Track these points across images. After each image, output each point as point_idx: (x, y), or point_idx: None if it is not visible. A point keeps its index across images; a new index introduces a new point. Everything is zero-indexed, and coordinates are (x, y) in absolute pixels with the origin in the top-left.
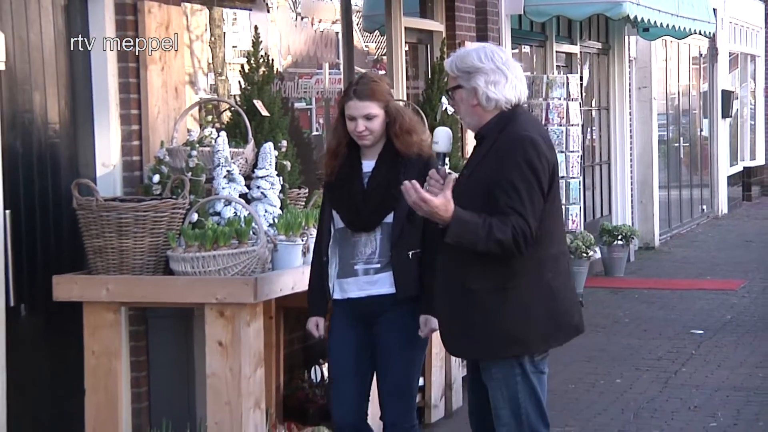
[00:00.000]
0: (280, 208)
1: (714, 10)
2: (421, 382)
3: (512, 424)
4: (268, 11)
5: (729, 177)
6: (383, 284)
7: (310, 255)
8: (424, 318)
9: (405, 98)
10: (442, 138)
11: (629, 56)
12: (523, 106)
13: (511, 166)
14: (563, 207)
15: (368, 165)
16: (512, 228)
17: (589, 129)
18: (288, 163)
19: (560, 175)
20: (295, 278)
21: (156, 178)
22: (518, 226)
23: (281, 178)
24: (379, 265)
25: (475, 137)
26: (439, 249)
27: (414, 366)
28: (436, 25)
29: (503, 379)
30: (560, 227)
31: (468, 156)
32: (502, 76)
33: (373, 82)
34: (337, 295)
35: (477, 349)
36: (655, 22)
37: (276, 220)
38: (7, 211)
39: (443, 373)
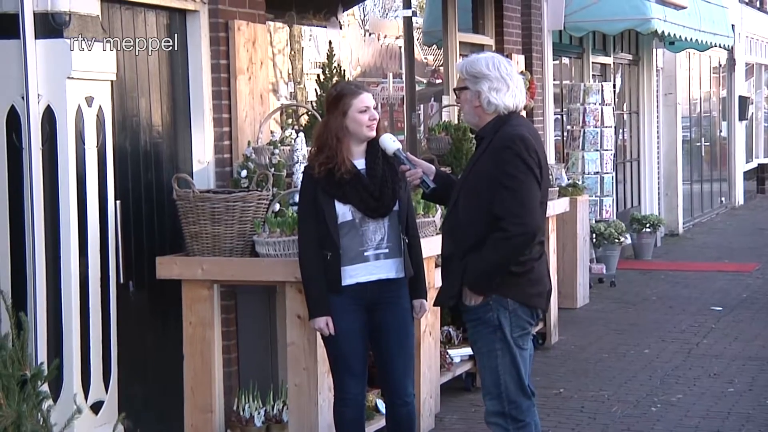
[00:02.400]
0: None
1: (732, 25)
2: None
3: (494, 392)
4: (341, 28)
5: (745, 172)
6: (390, 269)
7: None
8: (419, 302)
9: None
10: (384, 143)
11: (657, 66)
12: (519, 112)
13: (506, 159)
14: (598, 199)
15: (359, 163)
16: (504, 240)
17: (621, 130)
18: None
19: (595, 170)
20: None
21: (244, 173)
22: (510, 233)
23: None
24: (387, 250)
25: (475, 138)
26: (443, 238)
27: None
28: (487, 40)
29: (486, 352)
30: (543, 214)
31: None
32: (504, 84)
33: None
34: (345, 282)
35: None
36: (679, 36)
37: None
38: (118, 201)
39: None
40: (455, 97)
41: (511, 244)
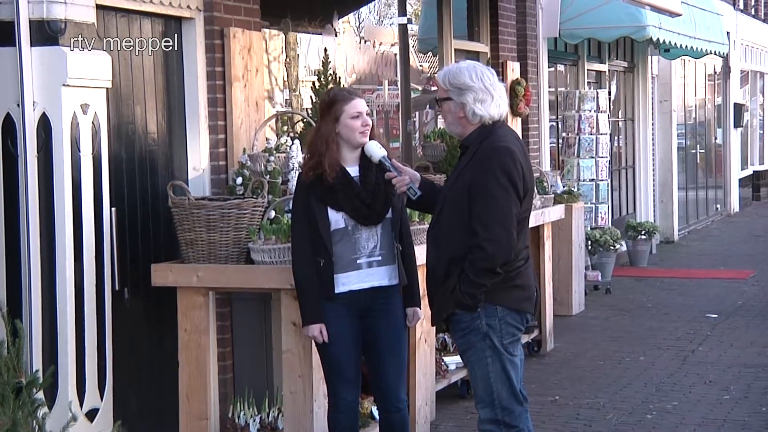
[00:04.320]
0: None
1: (727, 33)
2: None
3: (486, 400)
4: (336, 35)
5: (740, 179)
6: (382, 276)
7: None
8: (412, 310)
9: None
10: (369, 150)
11: (652, 73)
12: (503, 120)
13: (488, 173)
14: (593, 206)
15: (353, 170)
16: (479, 261)
17: (616, 137)
18: None
19: (591, 177)
20: None
21: (239, 180)
22: (485, 251)
23: None
24: (380, 258)
25: (460, 147)
26: (428, 248)
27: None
28: (482, 47)
29: (476, 361)
30: (527, 228)
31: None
32: (489, 95)
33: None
34: (337, 289)
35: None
36: (675, 43)
37: None
38: (113, 209)
39: None
40: (437, 107)
41: (488, 263)
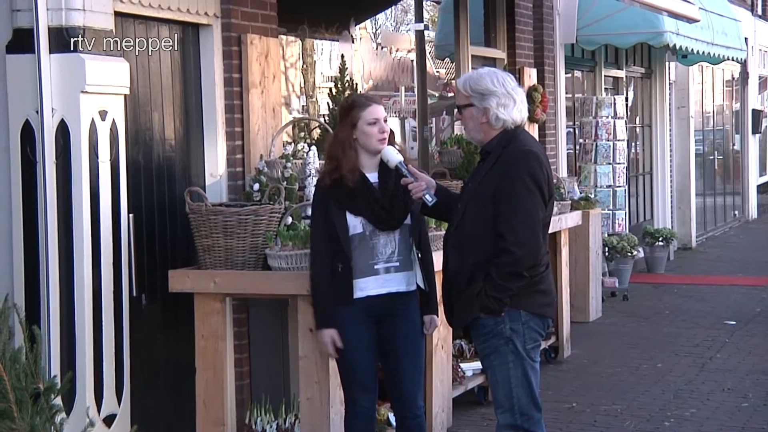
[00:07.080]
0: None
1: (745, 39)
2: None
3: (506, 405)
4: (353, 42)
5: (758, 186)
6: (400, 282)
7: None
8: (429, 317)
9: None
10: (386, 155)
11: (669, 80)
12: (523, 126)
13: (515, 177)
14: (611, 212)
15: (372, 176)
16: (505, 265)
17: (633, 143)
18: None
19: (608, 184)
20: None
21: (256, 186)
22: (513, 255)
23: None
24: (398, 264)
25: (480, 153)
26: (448, 254)
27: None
28: (499, 53)
29: (498, 365)
30: (546, 233)
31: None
32: (512, 100)
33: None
34: (355, 295)
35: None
36: (692, 49)
37: None
38: (131, 215)
39: None
40: (457, 113)
41: (515, 267)
